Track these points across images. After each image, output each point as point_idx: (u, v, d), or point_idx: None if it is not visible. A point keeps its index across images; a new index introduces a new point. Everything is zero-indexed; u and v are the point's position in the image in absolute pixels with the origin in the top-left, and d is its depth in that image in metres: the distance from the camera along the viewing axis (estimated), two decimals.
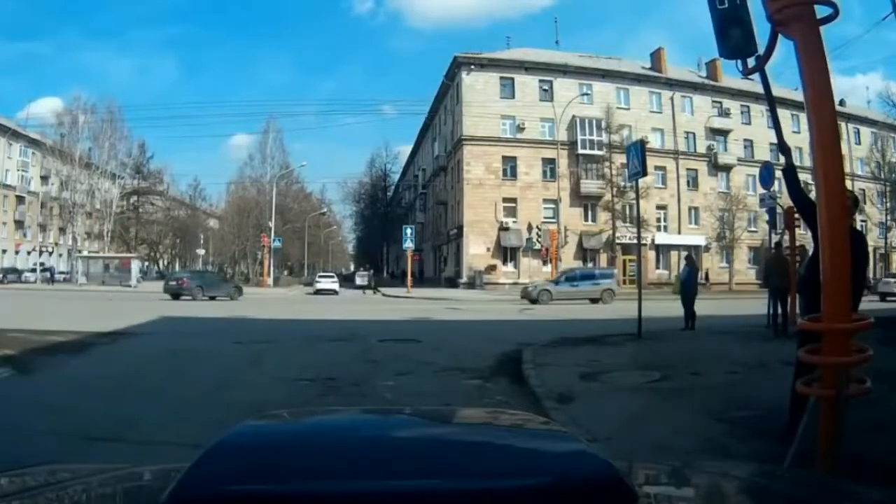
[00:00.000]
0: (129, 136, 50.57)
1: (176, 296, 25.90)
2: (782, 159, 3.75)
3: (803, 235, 12.22)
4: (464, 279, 39.70)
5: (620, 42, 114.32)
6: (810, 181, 3.29)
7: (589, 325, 12.86)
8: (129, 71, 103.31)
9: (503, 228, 40.01)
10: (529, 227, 37.29)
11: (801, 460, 2.77)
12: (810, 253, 4.81)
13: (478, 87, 41.03)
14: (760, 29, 3.02)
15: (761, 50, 3.06)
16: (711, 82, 45.40)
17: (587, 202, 41.31)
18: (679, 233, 42.68)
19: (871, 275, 42.40)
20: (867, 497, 1.45)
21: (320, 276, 39.80)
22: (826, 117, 2.74)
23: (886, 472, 2.86)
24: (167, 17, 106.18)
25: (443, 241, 47.49)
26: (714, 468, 1.68)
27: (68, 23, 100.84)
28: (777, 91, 3.46)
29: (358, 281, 47.52)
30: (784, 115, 4.75)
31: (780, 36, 2.86)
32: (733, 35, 3.03)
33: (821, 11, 2.69)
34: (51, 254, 57.10)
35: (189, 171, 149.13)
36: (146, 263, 56.59)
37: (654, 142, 39.91)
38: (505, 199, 40.61)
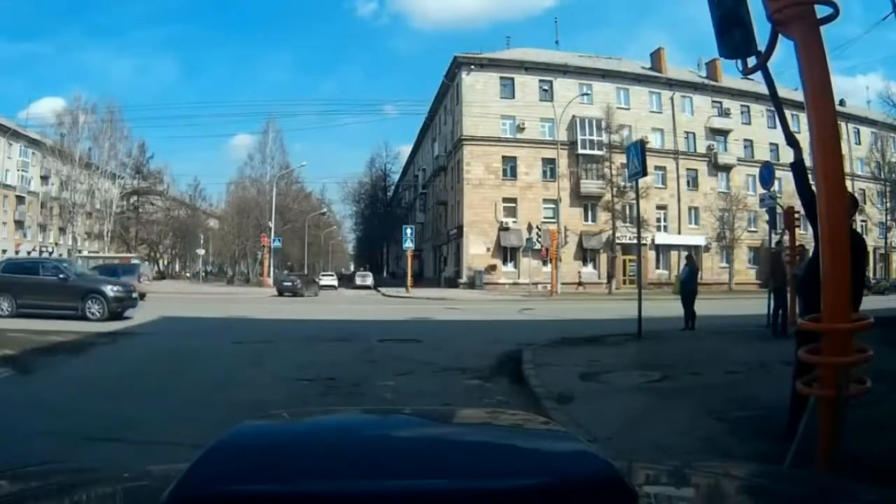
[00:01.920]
0: (129, 136, 50.57)
1: (282, 293, 31.36)
2: (787, 156, 3.73)
3: (803, 235, 12.24)
4: (464, 279, 39.69)
5: (620, 42, 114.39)
6: (810, 181, 3.29)
7: (589, 325, 12.86)
8: (130, 71, 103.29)
9: (503, 228, 40.01)
10: (529, 227, 37.29)
11: (801, 460, 2.77)
12: (810, 252, 4.80)
13: (478, 87, 41.02)
14: (761, 28, 3.02)
15: (762, 49, 3.05)
16: (711, 82, 45.39)
17: (587, 202, 41.30)
18: (679, 233, 42.68)
19: (870, 274, 42.53)
20: (867, 497, 1.45)
21: (323, 275, 47.84)
22: (826, 117, 2.74)
23: (886, 472, 2.86)
24: (168, 17, 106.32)
25: (443, 241, 47.50)
26: (714, 468, 1.68)
27: (68, 22, 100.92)
28: (777, 91, 3.45)
29: (358, 281, 47.80)
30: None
31: (780, 35, 2.86)
32: (733, 35, 3.02)
33: (821, 11, 2.69)
34: (51, 254, 57.05)
35: (189, 171, 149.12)
36: (146, 263, 56.53)
37: (654, 142, 39.91)
38: (505, 199, 40.61)
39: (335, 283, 45.79)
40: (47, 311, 14.04)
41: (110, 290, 15.10)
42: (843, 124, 39.81)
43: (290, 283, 32.86)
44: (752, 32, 3.04)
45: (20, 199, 56.26)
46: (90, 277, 16.94)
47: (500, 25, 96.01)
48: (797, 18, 2.69)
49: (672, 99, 43.98)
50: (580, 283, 38.32)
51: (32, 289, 14.62)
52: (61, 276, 15.10)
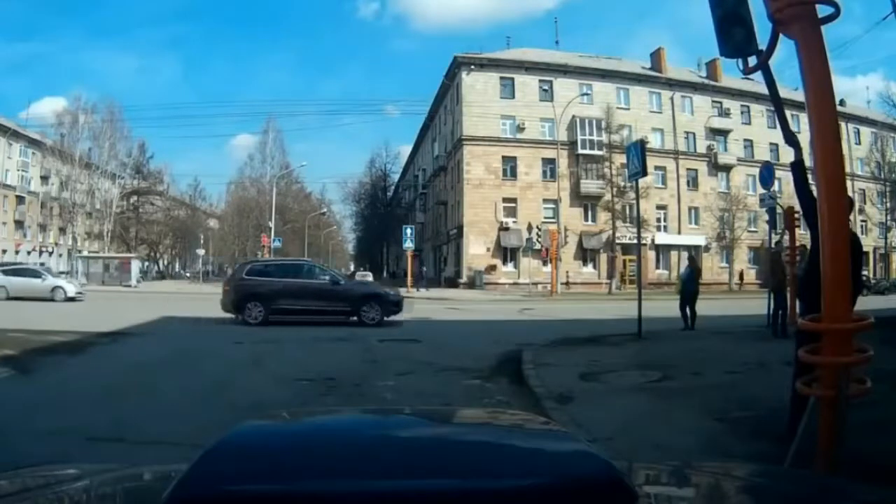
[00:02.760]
0: (130, 136, 50.60)
1: None
2: (787, 156, 3.72)
3: (803, 235, 12.24)
4: (464, 279, 39.68)
5: (620, 42, 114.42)
6: (810, 181, 3.28)
7: (589, 326, 12.86)
8: (131, 71, 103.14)
9: (503, 228, 40.00)
10: (529, 227, 37.26)
11: (801, 460, 2.77)
12: (809, 253, 4.79)
13: (478, 87, 41.01)
14: (762, 28, 3.01)
15: (762, 48, 3.05)
16: (711, 82, 45.39)
17: (587, 202, 41.29)
18: (679, 233, 42.67)
19: (870, 274, 42.53)
20: (867, 497, 1.45)
21: None
22: (827, 117, 2.73)
23: (886, 472, 2.86)
24: (169, 17, 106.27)
25: (443, 241, 47.49)
26: (714, 468, 1.68)
27: (70, 22, 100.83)
28: (778, 90, 3.45)
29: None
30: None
31: (781, 35, 2.86)
32: (734, 34, 3.02)
33: (822, 11, 2.69)
34: (51, 254, 57.10)
35: (189, 171, 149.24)
36: (146, 263, 56.55)
37: (654, 142, 39.89)
38: (505, 199, 40.60)
39: None
40: (312, 318, 13.59)
41: (388, 294, 15.06)
42: (843, 124, 39.73)
43: None
44: (753, 32, 3.03)
45: (20, 199, 56.22)
46: (359, 281, 16.74)
47: (501, 26, 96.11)
48: (798, 18, 2.69)
49: (672, 99, 43.96)
50: (567, 283, 38.16)
51: (296, 294, 14.00)
52: (331, 279, 14.81)
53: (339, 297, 14.22)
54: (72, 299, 22.32)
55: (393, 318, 14.52)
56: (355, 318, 14.09)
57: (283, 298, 13.98)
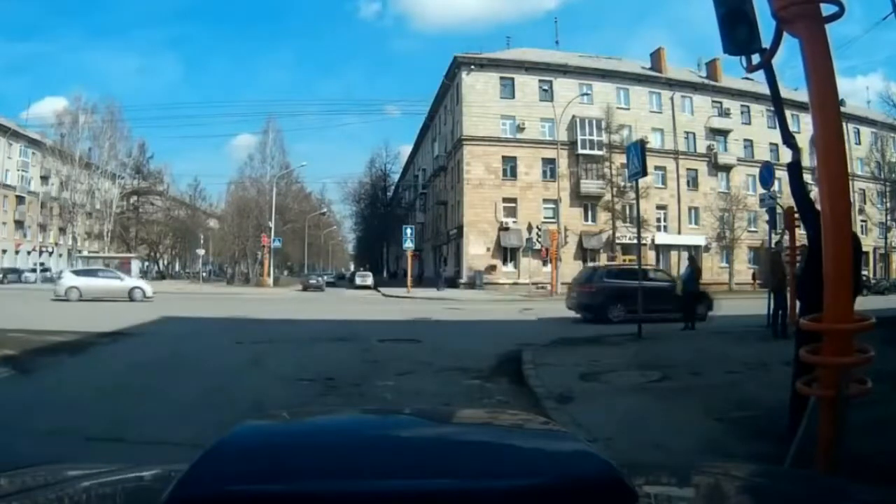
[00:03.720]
0: (130, 136, 50.57)
1: (307, 289, 38.91)
2: (788, 156, 3.71)
3: (804, 235, 12.22)
4: (464, 279, 39.67)
5: (621, 42, 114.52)
6: (810, 181, 3.28)
7: (590, 326, 12.85)
8: (132, 71, 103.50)
9: (503, 228, 40.00)
10: (529, 227, 37.26)
11: (801, 460, 2.76)
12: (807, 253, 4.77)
13: (478, 87, 41.00)
14: (765, 25, 3.01)
15: (765, 47, 3.04)
16: (711, 82, 45.38)
17: (587, 202, 41.28)
18: (679, 233, 42.66)
19: (870, 274, 42.52)
20: (867, 497, 1.44)
21: (323, 274, 53.99)
22: (830, 116, 2.73)
23: (886, 472, 2.85)
24: (170, 17, 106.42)
25: (443, 241, 47.48)
26: (714, 468, 1.68)
27: (70, 22, 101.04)
28: (779, 90, 3.44)
29: (358, 281, 47.76)
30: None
31: (784, 33, 2.85)
32: (738, 31, 3.02)
33: (826, 10, 2.68)
34: (51, 254, 57.08)
35: (189, 171, 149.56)
36: (146, 263, 56.52)
37: (654, 142, 39.87)
38: (505, 199, 40.59)
39: (333, 279, 54.81)
40: (654, 316, 13.79)
41: (709, 293, 16.75)
42: (843, 124, 39.58)
43: (314, 282, 41.71)
44: (757, 29, 3.03)
45: (20, 199, 56.23)
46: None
47: (501, 26, 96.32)
48: (802, 16, 2.68)
49: (672, 99, 43.95)
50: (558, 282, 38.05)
51: (650, 295, 14.36)
52: (670, 281, 16.75)
53: (678, 296, 15.28)
54: (149, 299, 22.71)
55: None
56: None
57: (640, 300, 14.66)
